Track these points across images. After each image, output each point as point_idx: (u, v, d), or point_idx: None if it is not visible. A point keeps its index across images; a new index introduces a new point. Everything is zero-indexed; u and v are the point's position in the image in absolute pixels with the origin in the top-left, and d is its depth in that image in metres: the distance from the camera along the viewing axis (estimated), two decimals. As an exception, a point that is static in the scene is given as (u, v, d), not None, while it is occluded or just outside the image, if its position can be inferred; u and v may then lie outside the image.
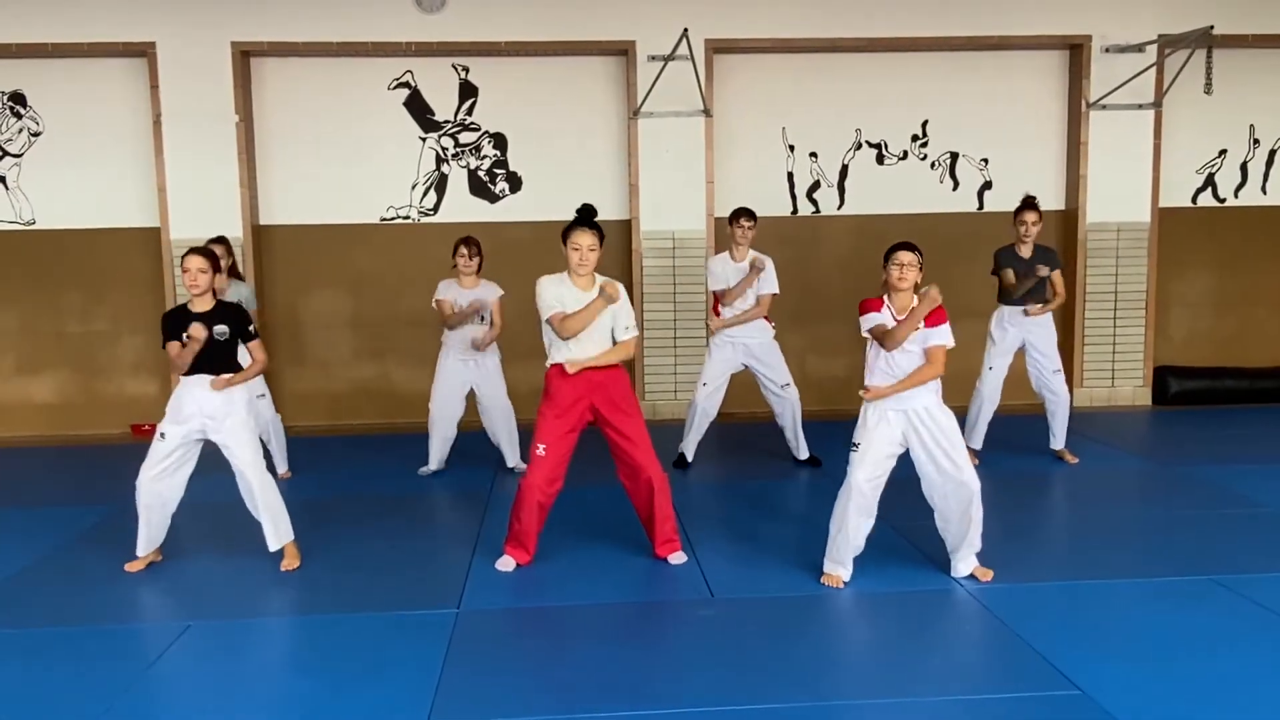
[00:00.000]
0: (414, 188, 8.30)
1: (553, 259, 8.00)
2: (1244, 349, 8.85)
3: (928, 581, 4.50)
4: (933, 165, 8.53)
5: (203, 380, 4.65)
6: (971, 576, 4.48)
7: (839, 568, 4.46)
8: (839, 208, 8.50)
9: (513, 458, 6.55)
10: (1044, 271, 6.17)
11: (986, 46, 8.28)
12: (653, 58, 7.87)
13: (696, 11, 7.84)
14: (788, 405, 6.48)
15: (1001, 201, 8.55)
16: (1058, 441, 6.66)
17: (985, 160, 8.55)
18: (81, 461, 7.29)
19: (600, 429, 4.74)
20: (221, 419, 4.68)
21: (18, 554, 5.05)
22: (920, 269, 4.33)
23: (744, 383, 6.65)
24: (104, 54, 7.86)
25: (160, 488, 4.73)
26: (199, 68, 7.77)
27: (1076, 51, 8.32)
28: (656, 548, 4.81)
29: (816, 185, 8.50)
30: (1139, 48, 8.16)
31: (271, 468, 6.49)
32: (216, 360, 4.65)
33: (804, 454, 6.63)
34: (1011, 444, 6.92)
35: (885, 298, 4.38)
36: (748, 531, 5.26)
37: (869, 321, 4.35)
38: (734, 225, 6.33)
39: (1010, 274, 6.26)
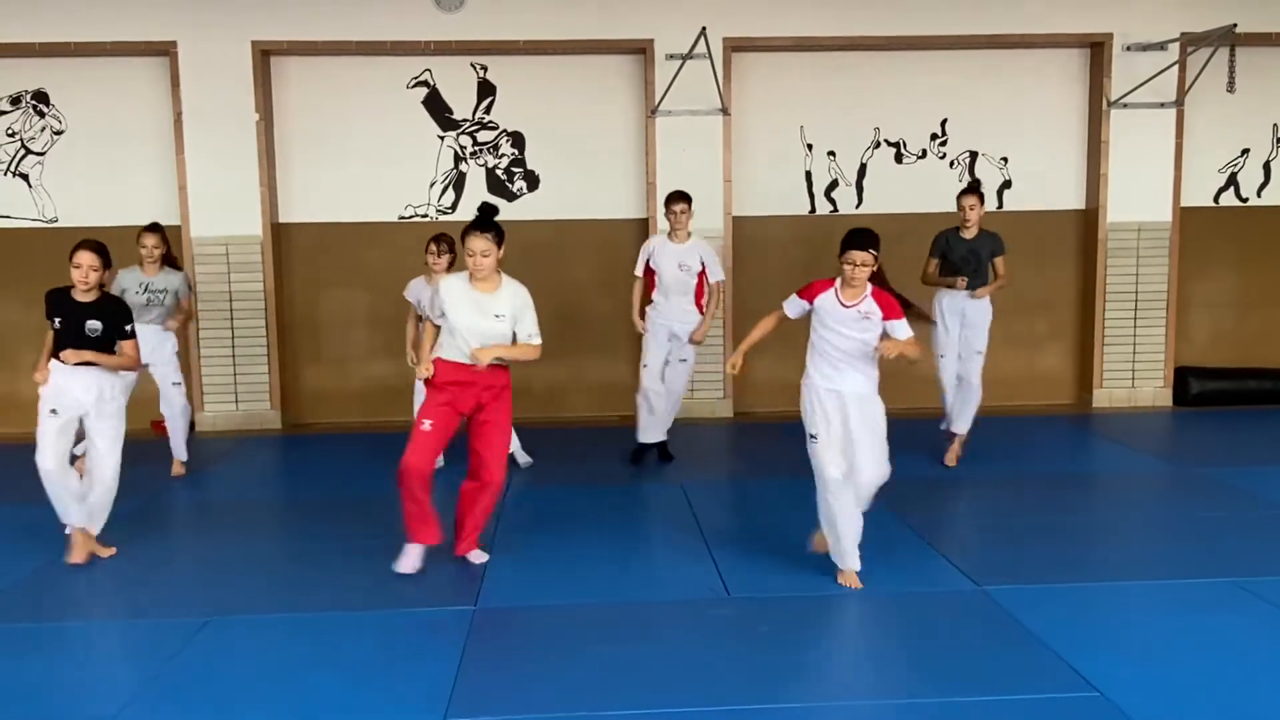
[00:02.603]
0: (432, 186, 8.33)
1: (569, 257, 8.02)
2: (1266, 350, 8.77)
3: (945, 582, 4.48)
4: (952, 164, 8.50)
5: (81, 370, 4.69)
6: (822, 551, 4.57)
7: (850, 560, 4.45)
8: (857, 206, 8.47)
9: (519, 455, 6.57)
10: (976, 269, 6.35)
11: (1006, 45, 8.23)
12: (671, 56, 7.86)
13: (715, 10, 7.83)
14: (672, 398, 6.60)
15: (1022, 201, 8.52)
16: (956, 426, 6.52)
17: (1005, 159, 8.50)
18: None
19: (469, 420, 4.69)
20: (94, 407, 4.74)
21: (38, 549, 5.09)
22: (877, 262, 4.33)
23: (759, 381, 6.66)
24: (126, 53, 7.92)
25: (62, 463, 4.77)
26: (220, 67, 7.82)
27: (1097, 50, 8.27)
28: (461, 545, 4.81)
29: (835, 184, 8.48)
30: (1161, 46, 8.10)
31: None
32: (95, 351, 4.69)
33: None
34: (1027, 445, 6.90)
35: (836, 281, 4.39)
36: (763, 530, 5.25)
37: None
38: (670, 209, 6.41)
39: (935, 265, 6.46)
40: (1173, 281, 8.45)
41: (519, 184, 8.35)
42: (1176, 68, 8.08)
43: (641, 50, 8.06)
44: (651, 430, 6.58)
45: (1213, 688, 3.46)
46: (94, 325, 4.68)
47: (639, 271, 6.58)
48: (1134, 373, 8.54)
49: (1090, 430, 6.95)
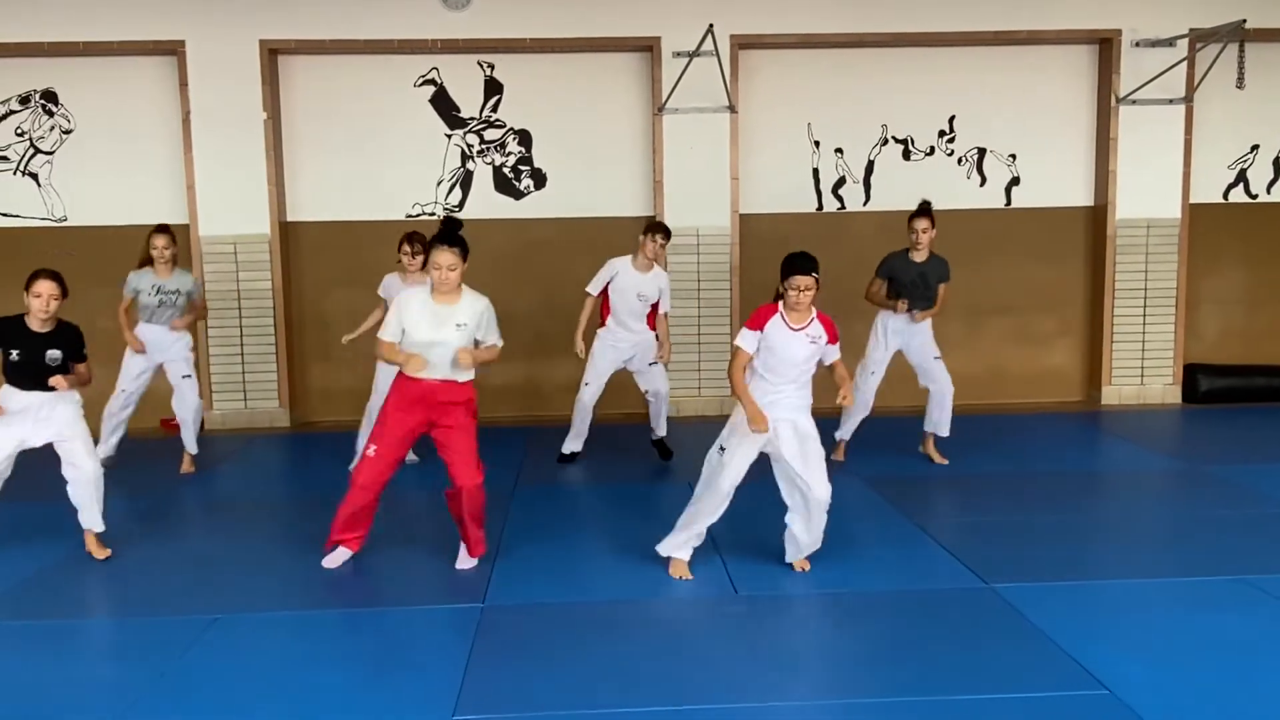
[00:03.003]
0: (439, 184, 8.34)
1: (575, 255, 8.03)
2: (1276, 347, 8.74)
3: (952, 579, 4.48)
4: (960, 161, 8.48)
5: (34, 396, 4.70)
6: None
7: (682, 549, 4.57)
8: (864, 204, 8.46)
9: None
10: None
11: (1015, 41, 8.21)
12: (678, 54, 7.86)
13: (722, 7, 7.82)
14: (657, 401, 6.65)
15: (1030, 198, 8.50)
16: (938, 428, 6.45)
17: (1013, 156, 8.48)
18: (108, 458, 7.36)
19: (431, 436, 4.69)
20: (50, 428, 4.75)
21: (48, 547, 5.12)
22: (818, 286, 4.34)
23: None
24: (134, 52, 7.95)
25: None
26: (228, 66, 7.84)
27: (1106, 46, 8.24)
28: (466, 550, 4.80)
29: (842, 181, 8.47)
30: (1170, 42, 8.07)
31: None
32: (46, 381, 4.69)
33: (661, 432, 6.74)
34: (1035, 442, 6.88)
35: (780, 305, 4.39)
36: (769, 528, 5.24)
37: (746, 339, 4.40)
38: (648, 239, 6.32)
39: (881, 286, 6.33)
40: (1182, 278, 8.42)
41: (526, 182, 8.36)
42: (1185, 64, 8.05)
43: (648, 48, 8.06)
44: (577, 440, 6.63)
45: (1222, 685, 3.45)
46: (54, 354, 4.68)
47: (594, 290, 6.44)
48: (1143, 370, 8.52)
49: (1099, 427, 6.93)
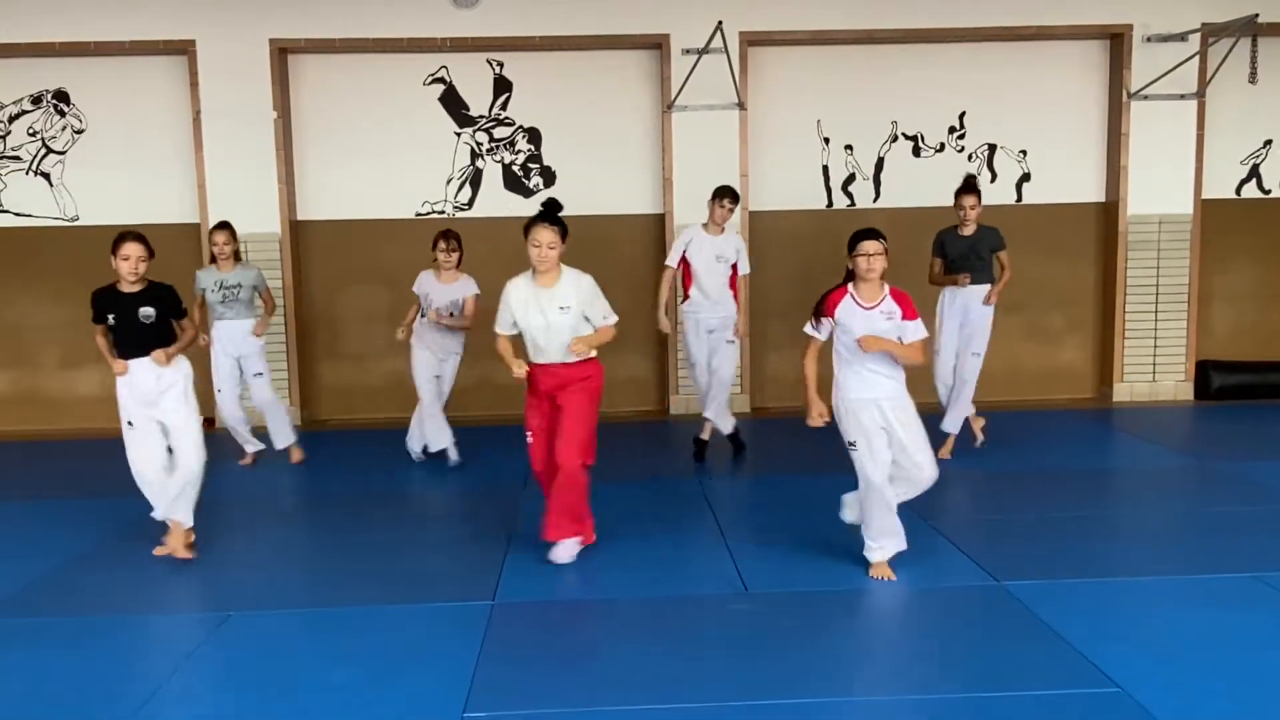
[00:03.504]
0: (449, 183, 8.35)
1: (585, 253, 8.02)
2: (1289, 343, 8.70)
3: (964, 577, 4.46)
4: (970, 157, 8.45)
5: (140, 364, 4.72)
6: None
7: (888, 545, 4.43)
8: (874, 200, 8.44)
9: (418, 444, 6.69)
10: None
11: (1025, 37, 8.18)
12: (687, 51, 7.85)
13: (731, 4, 7.81)
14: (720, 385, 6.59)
15: (1041, 194, 8.47)
16: (945, 425, 6.50)
17: (1024, 152, 8.45)
18: (125, 454, 7.39)
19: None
20: (160, 396, 4.76)
21: (66, 544, 5.15)
22: (886, 255, 4.29)
23: (776, 376, 6.66)
24: (145, 52, 7.98)
25: (150, 464, 4.83)
26: (238, 65, 7.86)
27: (1117, 41, 8.20)
28: (545, 531, 4.77)
29: (852, 178, 8.45)
30: (1181, 37, 8.02)
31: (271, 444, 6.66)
32: (147, 342, 4.72)
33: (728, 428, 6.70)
34: (1047, 440, 6.86)
35: (850, 287, 4.35)
36: (781, 526, 5.24)
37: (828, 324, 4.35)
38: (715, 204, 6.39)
39: (939, 265, 6.45)
40: (1194, 274, 8.38)
41: (535, 180, 8.36)
42: (1197, 59, 8.01)
43: (658, 45, 8.05)
44: (725, 418, 6.59)
45: (1235, 683, 3.43)
46: (147, 312, 4.71)
47: (672, 261, 6.52)
48: (1155, 367, 8.48)
49: (1111, 425, 6.91)
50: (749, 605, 4.24)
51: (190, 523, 4.89)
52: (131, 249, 4.68)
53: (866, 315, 4.29)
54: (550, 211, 4.61)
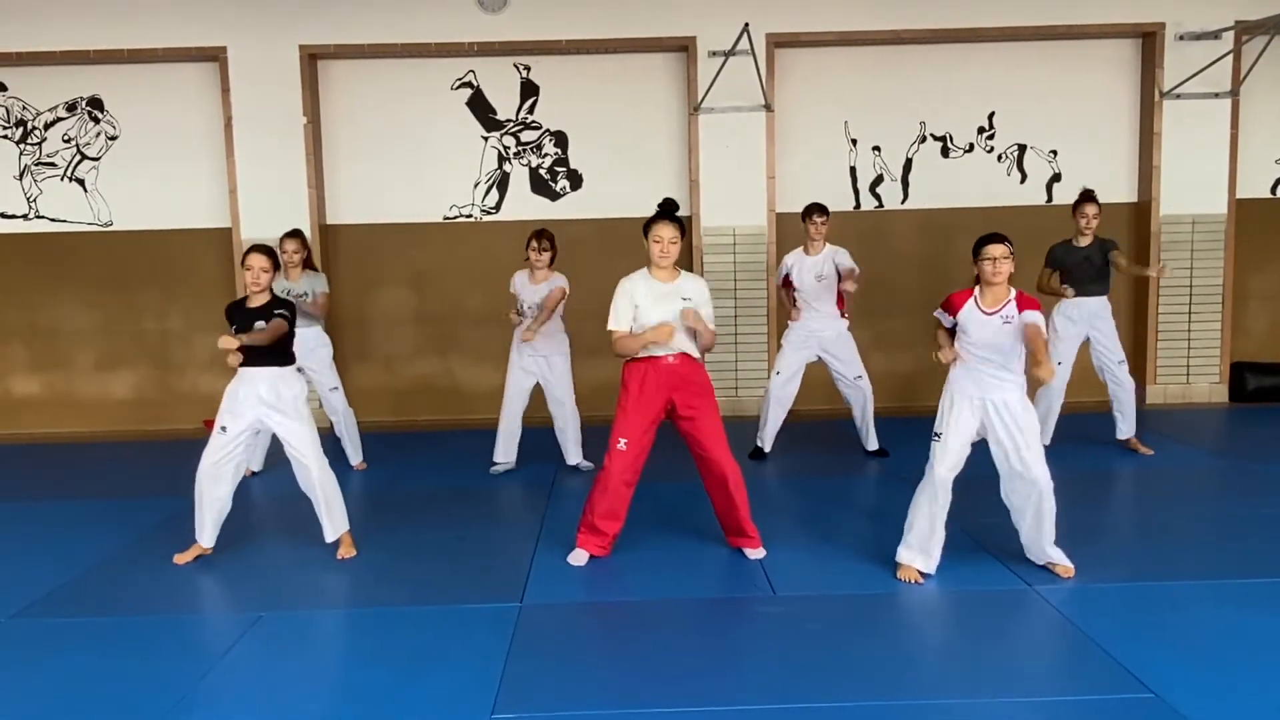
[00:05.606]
0: (476, 186, 8.39)
1: (613, 255, 8.03)
2: (1327, 344, 8.57)
3: (996, 581, 4.42)
4: (1000, 158, 8.39)
5: (258, 373, 4.74)
6: (1047, 569, 4.43)
7: (916, 557, 4.41)
8: (903, 202, 8.39)
9: (575, 455, 6.58)
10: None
11: (1055, 36, 8.11)
12: (713, 53, 7.85)
13: (757, 6, 7.80)
14: (859, 395, 6.60)
15: (1071, 194, 8.36)
16: (1125, 431, 6.64)
17: (1054, 152, 8.38)
18: (157, 455, 7.50)
19: (675, 423, 4.75)
20: (277, 410, 4.77)
21: (97, 545, 5.21)
22: (1012, 258, 4.25)
23: (811, 379, 6.62)
24: (178, 59, 8.08)
25: (219, 474, 4.83)
26: (268, 71, 7.94)
27: (1149, 40, 8.12)
28: (729, 538, 4.89)
29: (880, 179, 8.41)
30: (1215, 35, 7.93)
31: (344, 459, 6.65)
32: (267, 353, 4.73)
33: (873, 445, 6.72)
34: (1082, 441, 6.79)
35: (975, 290, 4.32)
36: (814, 528, 5.22)
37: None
38: (807, 222, 6.46)
39: (1052, 276, 6.43)
40: (1228, 275, 8.27)
41: (562, 183, 8.38)
42: (1231, 57, 7.91)
43: (684, 48, 8.05)
44: (765, 436, 6.68)
45: (1272, 688, 3.37)
46: (259, 325, 4.73)
47: (779, 281, 6.70)
48: (1188, 368, 8.37)
49: (1144, 426, 6.82)
50: (777, 607, 4.22)
51: (345, 527, 4.97)
52: (254, 260, 4.74)
53: (986, 321, 4.26)
54: (669, 210, 4.75)
